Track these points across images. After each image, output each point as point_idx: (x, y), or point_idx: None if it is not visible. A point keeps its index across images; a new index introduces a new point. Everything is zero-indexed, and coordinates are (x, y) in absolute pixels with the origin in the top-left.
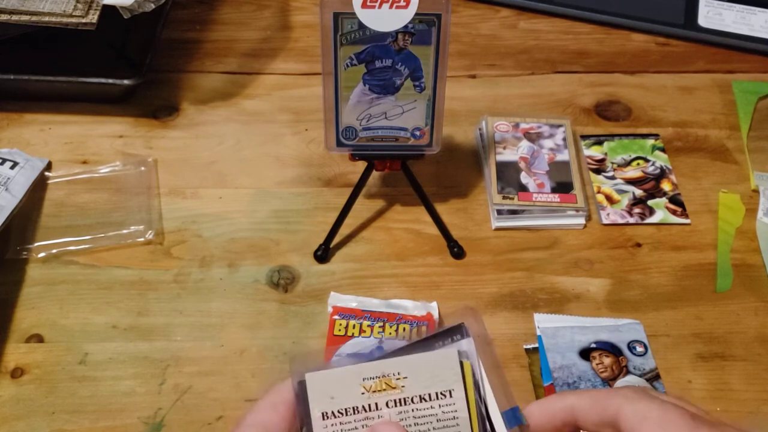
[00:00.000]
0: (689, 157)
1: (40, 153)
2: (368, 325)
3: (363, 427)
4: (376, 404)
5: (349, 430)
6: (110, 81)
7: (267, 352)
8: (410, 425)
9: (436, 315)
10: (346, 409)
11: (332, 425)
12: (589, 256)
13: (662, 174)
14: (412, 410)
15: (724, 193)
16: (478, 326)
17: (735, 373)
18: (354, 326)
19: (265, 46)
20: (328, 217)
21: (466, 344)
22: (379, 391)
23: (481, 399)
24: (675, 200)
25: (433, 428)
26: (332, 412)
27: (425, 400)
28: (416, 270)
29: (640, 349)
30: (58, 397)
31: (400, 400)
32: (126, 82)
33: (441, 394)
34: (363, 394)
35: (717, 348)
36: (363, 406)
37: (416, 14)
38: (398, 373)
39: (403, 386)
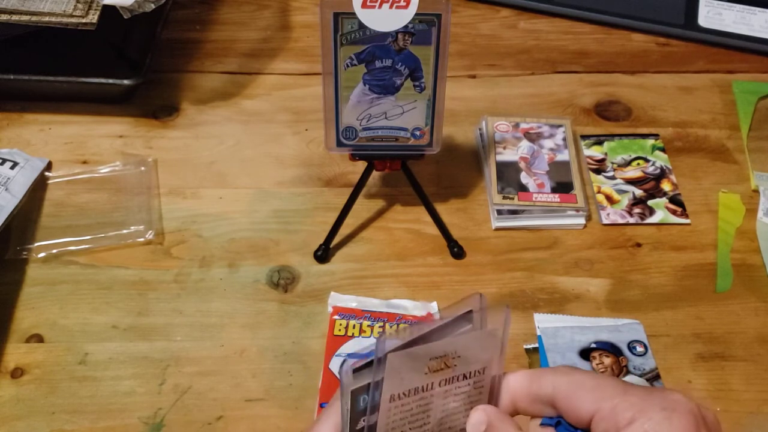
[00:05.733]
0: (689, 157)
1: (40, 153)
2: (368, 325)
3: (417, 407)
4: (431, 384)
5: (406, 411)
6: (110, 81)
7: (267, 352)
8: (449, 402)
9: (436, 315)
10: (409, 391)
11: (395, 407)
12: (589, 256)
13: (662, 174)
14: (455, 388)
15: (724, 193)
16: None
17: (735, 374)
18: (354, 326)
19: (265, 46)
20: (328, 217)
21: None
22: (438, 370)
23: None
24: (675, 200)
25: (463, 403)
26: (398, 394)
27: (466, 378)
28: (416, 270)
29: (640, 349)
30: (58, 397)
31: (449, 379)
32: (126, 82)
33: (478, 371)
34: (426, 374)
35: (717, 348)
36: (422, 387)
37: (416, 14)
38: (455, 352)
39: (455, 365)
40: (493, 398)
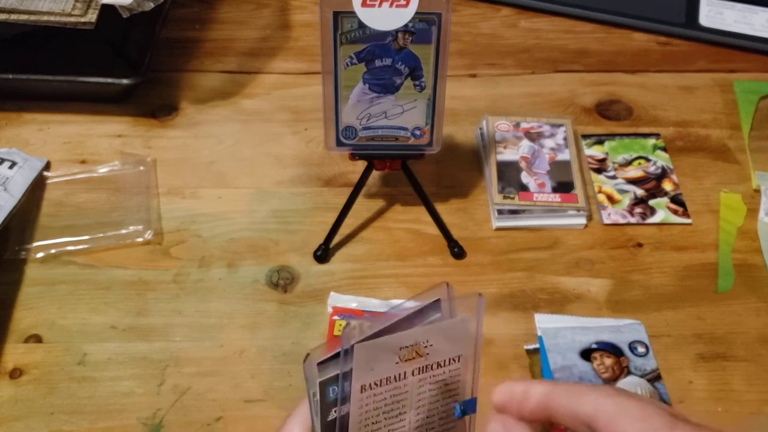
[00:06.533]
0: (690, 156)
1: (39, 153)
2: None
3: (390, 397)
4: (405, 373)
5: (379, 401)
6: (109, 80)
7: (266, 352)
8: (425, 391)
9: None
10: (381, 380)
11: (367, 398)
12: (590, 256)
13: (663, 174)
14: (430, 377)
15: (726, 192)
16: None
17: (736, 374)
18: None
19: (265, 45)
20: (328, 217)
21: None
22: (410, 359)
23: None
24: (676, 200)
25: (441, 392)
26: (369, 384)
27: (440, 366)
28: (416, 270)
29: (641, 349)
30: (56, 398)
31: (423, 367)
32: (125, 81)
33: (453, 359)
34: (397, 363)
35: (718, 348)
36: (394, 376)
37: (416, 13)
38: (427, 341)
39: (427, 353)
40: (474, 386)
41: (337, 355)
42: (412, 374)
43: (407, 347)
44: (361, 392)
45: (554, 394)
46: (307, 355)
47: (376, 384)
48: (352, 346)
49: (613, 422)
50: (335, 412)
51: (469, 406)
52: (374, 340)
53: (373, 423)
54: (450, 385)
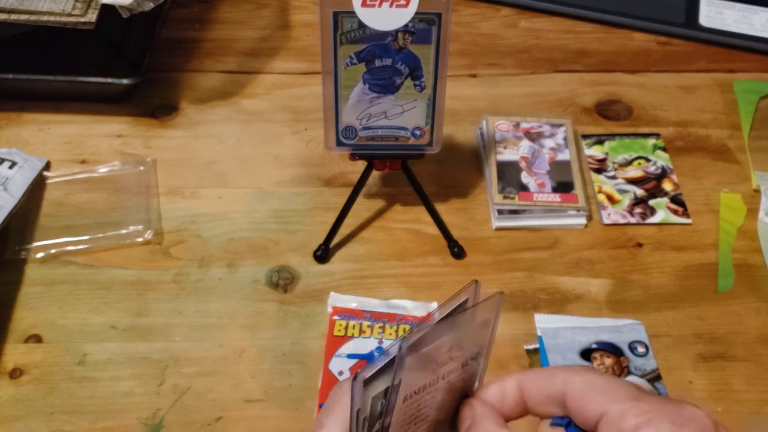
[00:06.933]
0: (690, 156)
1: (39, 153)
2: (368, 326)
3: (423, 402)
4: (437, 378)
5: (414, 408)
6: (109, 80)
7: (266, 352)
8: (445, 392)
9: (435, 311)
10: (419, 388)
11: (407, 407)
12: (590, 256)
13: (663, 174)
14: (455, 377)
15: (726, 192)
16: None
17: (736, 374)
18: (354, 327)
19: (265, 45)
20: (328, 217)
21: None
22: (445, 363)
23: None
24: (676, 200)
25: (457, 389)
26: (410, 394)
27: (465, 366)
28: (416, 270)
29: (641, 349)
30: (56, 398)
31: (452, 370)
32: (125, 81)
33: (472, 358)
34: (434, 369)
35: (718, 348)
36: (430, 382)
37: (416, 13)
38: (459, 344)
39: (457, 356)
40: (479, 380)
41: (380, 370)
42: (443, 378)
43: (445, 353)
44: (404, 402)
45: (525, 381)
46: (356, 375)
47: (415, 393)
48: (402, 358)
49: (581, 397)
50: (379, 424)
51: None
52: (425, 350)
53: (405, 429)
54: (465, 381)
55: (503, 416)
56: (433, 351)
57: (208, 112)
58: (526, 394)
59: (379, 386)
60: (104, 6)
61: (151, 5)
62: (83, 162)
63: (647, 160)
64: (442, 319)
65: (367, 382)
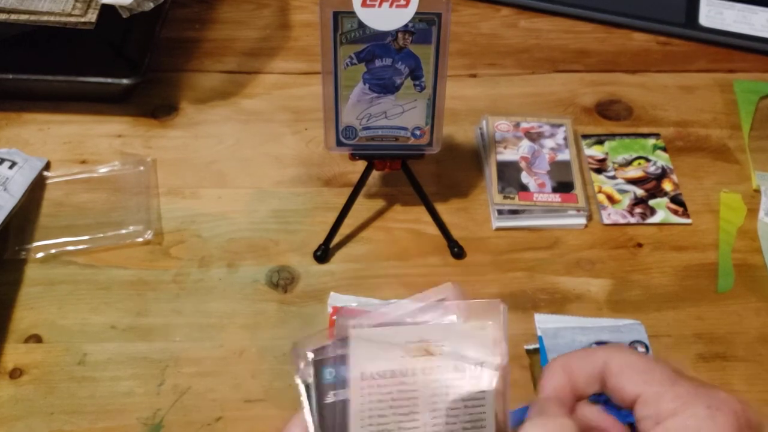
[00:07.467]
0: (690, 156)
1: (39, 153)
2: None
3: (398, 392)
4: (412, 369)
5: (384, 393)
6: (109, 80)
7: (266, 352)
8: (441, 394)
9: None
10: (384, 372)
11: (369, 386)
12: (590, 256)
13: (663, 174)
14: (446, 379)
15: (726, 192)
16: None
17: (736, 374)
18: None
19: (265, 45)
20: (328, 217)
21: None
22: (418, 356)
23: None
24: (676, 200)
25: (463, 399)
26: (371, 374)
27: (458, 370)
28: (416, 270)
29: (641, 349)
30: (56, 398)
31: (434, 368)
32: (125, 81)
33: (473, 367)
34: (402, 357)
35: (718, 348)
36: (400, 370)
37: (416, 13)
38: (438, 341)
39: (440, 354)
40: (505, 399)
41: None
42: (423, 373)
43: (414, 342)
44: (362, 380)
45: (569, 363)
46: (295, 343)
47: (379, 375)
48: (348, 335)
49: (620, 374)
50: (334, 395)
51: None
52: (372, 328)
53: (379, 415)
54: (475, 393)
55: (563, 403)
56: (391, 334)
57: (208, 112)
58: (570, 376)
59: (325, 354)
60: (104, 6)
61: (151, 5)
62: (83, 162)
63: (647, 160)
64: (412, 312)
65: (318, 351)
